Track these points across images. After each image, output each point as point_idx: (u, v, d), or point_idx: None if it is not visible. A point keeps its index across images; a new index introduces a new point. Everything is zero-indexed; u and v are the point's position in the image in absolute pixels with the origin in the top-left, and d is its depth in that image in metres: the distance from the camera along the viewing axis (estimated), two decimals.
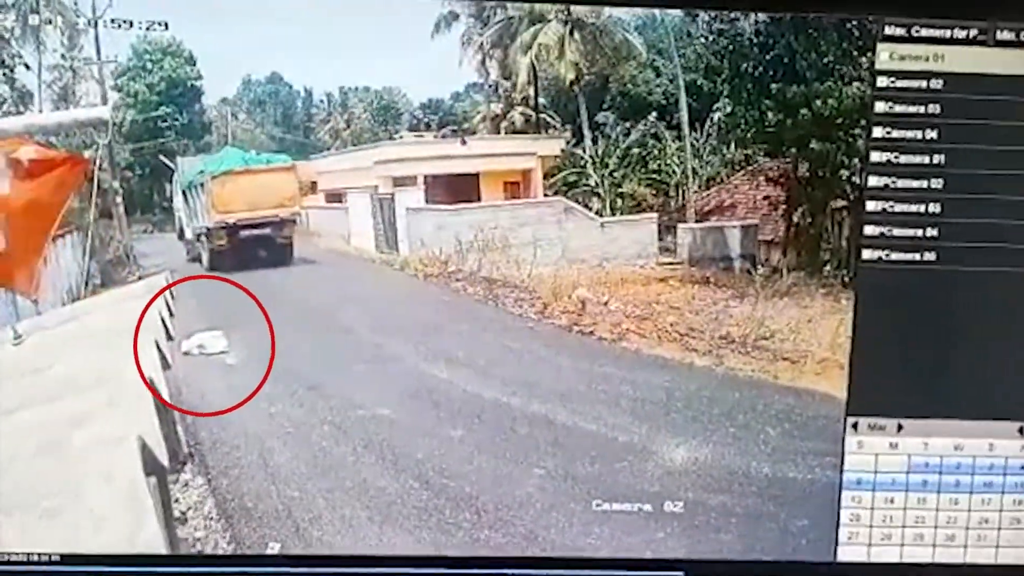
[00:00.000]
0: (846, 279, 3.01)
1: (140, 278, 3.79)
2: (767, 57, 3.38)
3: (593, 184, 4.54)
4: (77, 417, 2.43)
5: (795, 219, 3.62)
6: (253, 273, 4.20)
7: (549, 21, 4.11)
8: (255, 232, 4.31)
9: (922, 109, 2.14)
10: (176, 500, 2.82)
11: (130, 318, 3.16)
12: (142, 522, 2.14)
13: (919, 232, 2.18)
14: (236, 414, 3.06)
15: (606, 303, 3.73)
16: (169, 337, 3.31)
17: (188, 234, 4.50)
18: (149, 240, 4.29)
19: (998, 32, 2.10)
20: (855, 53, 2.79)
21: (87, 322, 3.00)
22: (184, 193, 4.49)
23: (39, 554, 2.18)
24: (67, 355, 2.76)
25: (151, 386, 2.77)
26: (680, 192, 4.48)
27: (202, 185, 4.33)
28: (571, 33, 4.17)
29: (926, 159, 2.15)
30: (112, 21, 2.34)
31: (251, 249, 4.28)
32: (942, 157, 2.15)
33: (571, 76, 4.25)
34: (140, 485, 2.24)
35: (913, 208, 2.17)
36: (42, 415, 2.37)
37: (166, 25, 2.34)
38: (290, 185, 4.33)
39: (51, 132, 3.01)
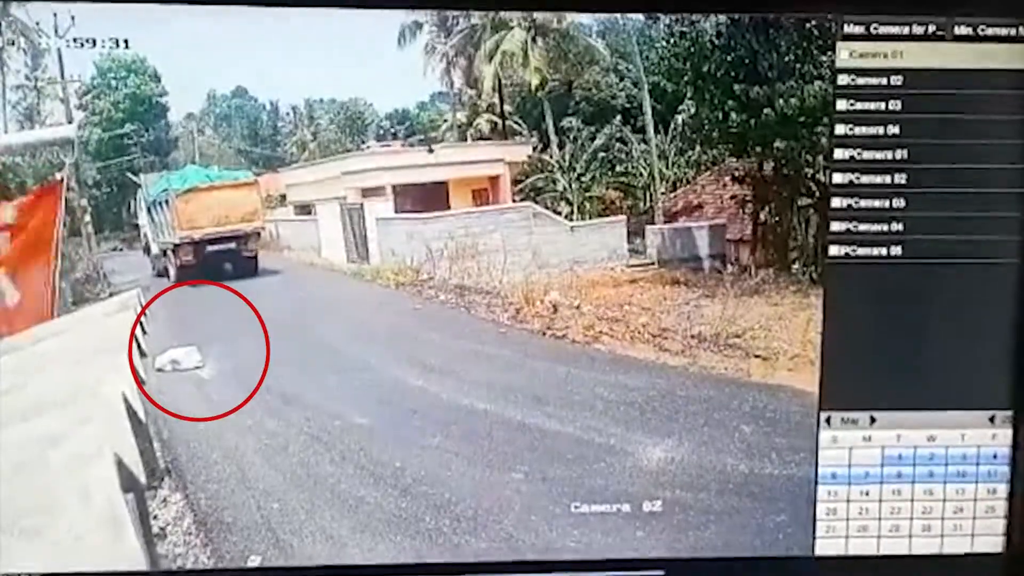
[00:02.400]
0: (814, 275, 3.04)
1: (111, 295, 3.77)
2: (729, 58, 3.40)
3: (561, 189, 4.55)
4: (53, 436, 2.42)
5: (762, 218, 3.65)
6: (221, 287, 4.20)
7: (512, 28, 4.11)
8: (220, 247, 4.31)
9: (883, 105, 2.17)
10: (155, 516, 2.80)
11: (102, 335, 3.14)
12: (121, 539, 2.14)
13: (885, 227, 2.21)
14: (213, 428, 3.05)
15: (578, 306, 3.74)
16: (143, 354, 3.30)
17: (154, 249, 4.48)
18: (119, 257, 4.27)
19: (955, 27, 2.14)
20: (815, 52, 2.82)
21: (60, 341, 2.97)
22: (149, 209, 4.47)
23: (18, 574, 2.16)
24: (41, 374, 2.74)
25: (126, 403, 2.76)
26: (648, 194, 4.50)
27: (167, 202, 4.32)
28: (534, 39, 4.18)
29: (889, 155, 2.18)
30: (75, 40, 2.33)
31: (217, 263, 4.28)
32: (905, 152, 2.18)
33: (536, 82, 4.26)
34: (118, 502, 2.23)
35: (878, 203, 2.20)
36: (18, 435, 2.35)
37: (127, 43, 2.33)
38: (253, 200, 4.33)
39: (17, 152, 2.99)
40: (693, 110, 3.91)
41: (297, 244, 4.71)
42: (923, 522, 2.35)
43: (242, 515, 2.78)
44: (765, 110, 3.37)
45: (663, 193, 4.42)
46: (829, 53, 2.19)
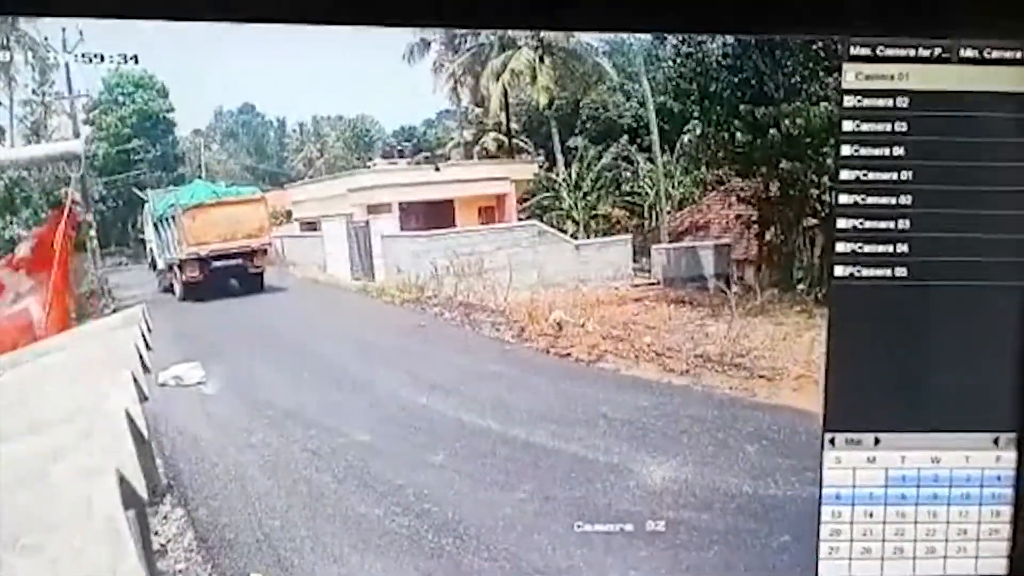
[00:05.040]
0: (819, 296, 3.03)
1: (115, 310, 3.77)
2: (735, 79, 3.41)
3: (567, 207, 4.56)
4: (55, 451, 2.41)
5: (767, 238, 3.65)
6: (227, 303, 4.21)
7: (520, 47, 4.13)
8: (227, 263, 4.31)
9: (889, 127, 2.17)
10: (156, 532, 2.79)
11: (106, 351, 3.14)
12: (122, 556, 2.12)
13: (890, 248, 2.21)
14: (215, 444, 3.05)
15: (583, 325, 3.74)
16: (146, 369, 3.30)
17: (160, 264, 4.48)
18: (124, 272, 4.27)
19: (961, 49, 2.13)
20: (821, 73, 2.83)
21: (63, 355, 2.98)
22: (155, 225, 4.48)
23: None
24: (44, 389, 2.74)
25: (129, 419, 2.75)
26: (654, 213, 4.50)
27: (173, 218, 4.33)
28: (542, 59, 4.19)
29: (894, 176, 2.18)
30: (83, 55, 2.34)
31: (223, 279, 4.28)
32: (910, 174, 2.17)
33: (543, 101, 4.27)
34: (119, 518, 2.22)
35: (883, 224, 2.20)
36: (19, 450, 2.35)
37: (136, 59, 2.34)
38: (260, 216, 4.33)
39: (23, 167, 3.00)
40: (699, 130, 3.91)
41: (302, 260, 4.72)
42: (927, 544, 2.33)
43: (243, 532, 2.77)
44: (771, 130, 3.37)
45: (669, 212, 4.42)
46: (835, 74, 2.19)
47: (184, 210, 4.25)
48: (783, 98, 3.23)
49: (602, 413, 3.09)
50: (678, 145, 4.22)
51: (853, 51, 2.16)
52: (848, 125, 2.18)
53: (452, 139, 4.45)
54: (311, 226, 4.71)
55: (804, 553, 2.38)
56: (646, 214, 4.55)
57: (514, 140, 4.55)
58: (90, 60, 2.34)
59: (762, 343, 3.31)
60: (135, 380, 3.08)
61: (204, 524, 2.87)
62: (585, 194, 4.54)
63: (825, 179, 3.01)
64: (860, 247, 2.21)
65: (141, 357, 3.31)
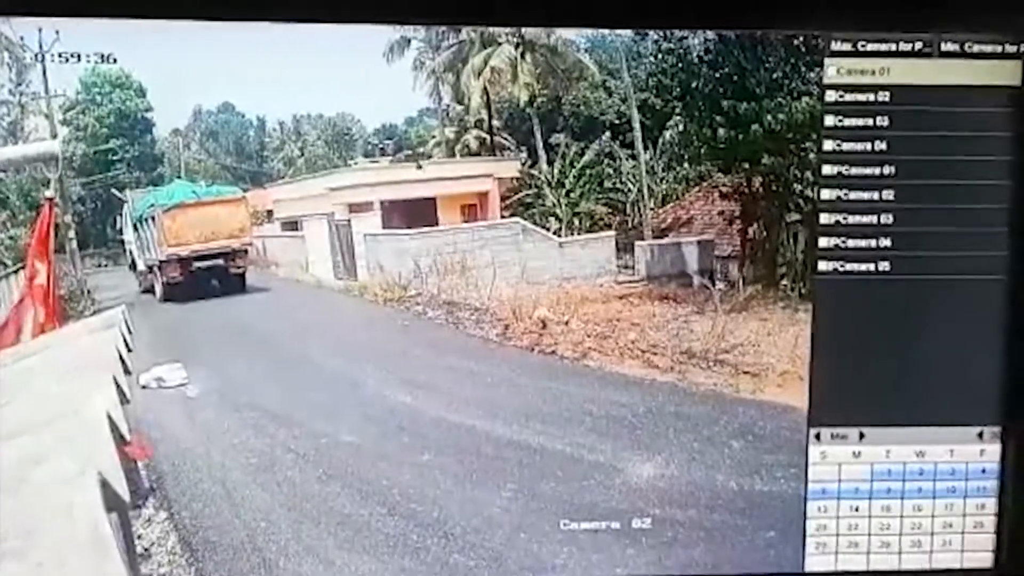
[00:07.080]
0: (803, 291, 3.04)
1: (96, 312, 3.74)
2: (717, 74, 3.41)
3: (550, 205, 4.55)
4: (35, 455, 2.39)
5: (751, 234, 3.65)
6: (208, 304, 4.19)
7: (501, 44, 4.12)
8: (208, 263, 4.29)
9: (871, 122, 2.17)
10: (139, 536, 2.77)
11: (86, 353, 3.12)
12: (105, 560, 2.10)
13: (873, 243, 2.21)
14: (198, 446, 3.03)
15: (567, 322, 3.74)
16: (127, 371, 3.27)
17: (140, 266, 4.45)
18: (103, 274, 4.24)
19: (942, 44, 2.14)
20: (803, 68, 2.82)
21: (43, 358, 2.95)
22: (135, 226, 4.45)
23: None
24: (23, 392, 2.71)
25: (110, 422, 2.73)
26: (637, 210, 4.50)
27: (153, 218, 4.30)
28: (523, 55, 4.18)
29: (877, 170, 2.18)
30: (59, 55, 2.31)
31: (204, 280, 4.26)
32: (892, 168, 2.18)
33: (524, 98, 4.26)
34: (101, 522, 2.20)
35: (866, 219, 2.20)
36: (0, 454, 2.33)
37: (114, 58, 2.32)
38: (241, 216, 4.30)
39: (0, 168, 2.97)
40: (681, 126, 3.92)
41: (284, 260, 4.70)
42: (912, 538, 2.34)
43: (228, 534, 2.76)
44: (753, 126, 3.37)
45: (652, 209, 4.42)
46: (817, 69, 2.19)
47: (164, 210, 4.22)
48: (765, 94, 3.23)
49: (587, 411, 3.09)
50: (660, 141, 4.22)
51: (834, 46, 2.16)
52: (830, 120, 2.18)
53: (434, 137, 4.43)
54: (292, 226, 4.69)
55: (791, 548, 2.38)
56: (629, 211, 4.55)
57: (496, 137, 4.55)
58: (67, 59, 2.31)
59: (746, 339, 3.31)
60: (116, 383, 3.05)
61: (188, 527, 2.85)
62: (568, 191, 4.54)
63: (808, 174, 3.01)
64: (843, 242, 2.21)
65: (122, 359, 3.28)
